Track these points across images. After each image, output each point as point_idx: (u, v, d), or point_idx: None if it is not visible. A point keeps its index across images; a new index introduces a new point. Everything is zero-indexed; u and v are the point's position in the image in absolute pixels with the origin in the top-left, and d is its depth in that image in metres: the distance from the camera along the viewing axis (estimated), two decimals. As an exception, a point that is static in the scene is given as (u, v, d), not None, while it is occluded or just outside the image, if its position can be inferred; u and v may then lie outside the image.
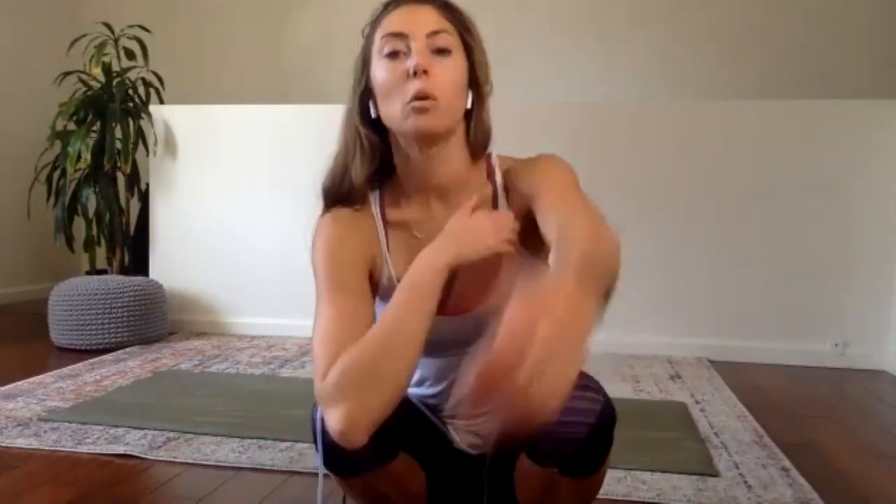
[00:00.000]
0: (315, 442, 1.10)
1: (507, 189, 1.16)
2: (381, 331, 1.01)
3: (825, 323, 3.07)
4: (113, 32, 3.86)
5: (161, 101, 3.87)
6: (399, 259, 1.15)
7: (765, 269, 3.13)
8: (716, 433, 2.11)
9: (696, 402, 2.43)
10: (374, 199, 1.17)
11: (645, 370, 2.89)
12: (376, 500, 1.20)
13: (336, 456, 1.07)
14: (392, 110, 1.07)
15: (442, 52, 1.06)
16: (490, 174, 1.18)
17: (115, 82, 3.72)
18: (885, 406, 2.57)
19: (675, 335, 3.20)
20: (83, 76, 3.80)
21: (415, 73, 1.03)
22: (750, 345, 3.12)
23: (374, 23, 1.11)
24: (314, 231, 1.16)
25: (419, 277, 1.05)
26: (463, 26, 1.10)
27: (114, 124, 3.58)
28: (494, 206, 1.15)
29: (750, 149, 3.14)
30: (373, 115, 1.11)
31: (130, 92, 3.78)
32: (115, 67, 3.80)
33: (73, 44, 3.83)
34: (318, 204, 1.18)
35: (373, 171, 1.14)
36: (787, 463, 1.86)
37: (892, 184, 3.02)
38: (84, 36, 3.78)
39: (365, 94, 1.12)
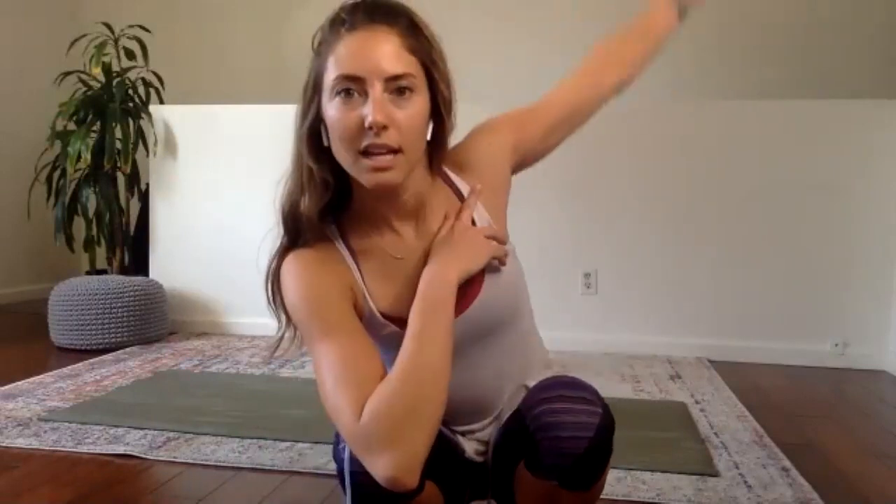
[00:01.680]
0: (342, 481, 1.06)
1: (466, 182, 1.13)
2: (411, 365, 0.96)
3: (825, 323, 3.07)
4: (113, 32, 3.86)
5: (161, 101, 3.86)
6: (377, 288, 1.08)
7: (765, 269, 3.13)
8: (716, 433, 2.11)
9: (696, 402, 2.43)
10: (332, 231, 1.09)
11: (645, 370, 2.89)
12: None
13: (366, 498, 1.03)
14: (346, 157, 0.99)
15: (402, 91, 0.96)
16: (449, 182, 1.13)
17: (115, 82, 3.72)
18: (885, 406, 2.57)
19: (675, 335, 3.20)
20: (83, 76, 3.80)
21: (370, 128, 0.94)
22: (750, 345, 3.12)
23: (326, 41, 1.00)
24: (276, 273, 1.07)
25: (433, 301, 1.01)
26: (428, 57, 1.00)
27: (114, 124, 3.58)
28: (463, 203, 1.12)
29: (750, 149, 3.14)
30: (325, 143, 1.02)
31: (130, 92, 3.77)
32: (115, 67, 3.79)
33: (73, 44, 3.82)
34: (277, 228, 1.08)
35: (325, 204, 1.05)
36: (787, 463, 1.86)
37: (892, 184, 3.02)
38: (84, 36, 3.77)
39: (315, 121, 1.03)
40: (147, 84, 3.85)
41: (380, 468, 0.92)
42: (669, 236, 3.20)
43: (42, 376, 2.62)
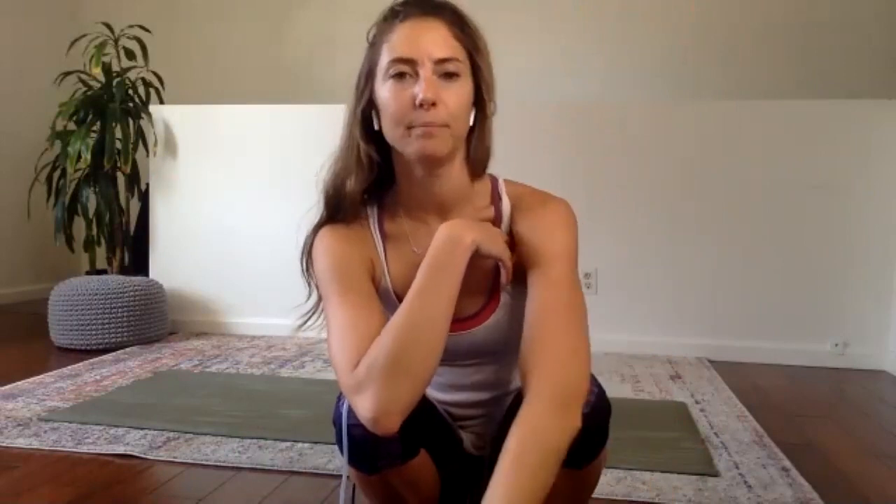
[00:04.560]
0: (339, 440, 1.10)
1: (512, 216, 1.15)
2: (409, 317, 1.00)
3: (825, 323, 3.07)
4: (113, 32, 3.86)
5: (161, 101, 3.86)
6: (396, 271, 1.15)
7: (765, 269, 3.13)
8: (716, 433, 2.11)
9: (696, 402, 2.43)
10: (371, 212, 1.17)
11: (645, 370, 2.89)
12: (390, 500, 1.20)
13: (360, 452, 1.07)
14: (395, 133, 1.06)
15: (450, 76, 1.05)
16: (494, 199, 1.16)
17: (115, 82, 3.72)
18: (885, 406, 2.57)
19: (675, 335, 3.20)
20: (83, 76, 3.80)
21: (421, 105, 1.02)
22: (750, 345, 3.12)
23: (381, 32, 1.09)
24: (311, 244, 1.16)
25: (444, 262, 1.03)
26: (473, 45, 1.08)
27: (114, 124, 3.57)
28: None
29: (750, 149, 3.14)
30: (375, 127, 1.10)
31: (130, 92, 3.77)
32: (115, 67, 3.79)
33: (73, 44, 3.82)
34: (318, 207, 1.17)
35: (369, 185, 1.14)
36: (787, 463, 1.86)
37: (892, 184, 3.02)
38: (84, 36, 3.77)
39: (368, 107, 1.11)
40: (147, 84, 3.85)
41: (361, 408, 0.98)
42: (669, 236, 3.20)
43: (42, 376, 2.62)
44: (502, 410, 1.21)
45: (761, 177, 3.13)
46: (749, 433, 2.11)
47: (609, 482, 1.69)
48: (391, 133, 1.07)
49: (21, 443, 1.93)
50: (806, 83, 3.85)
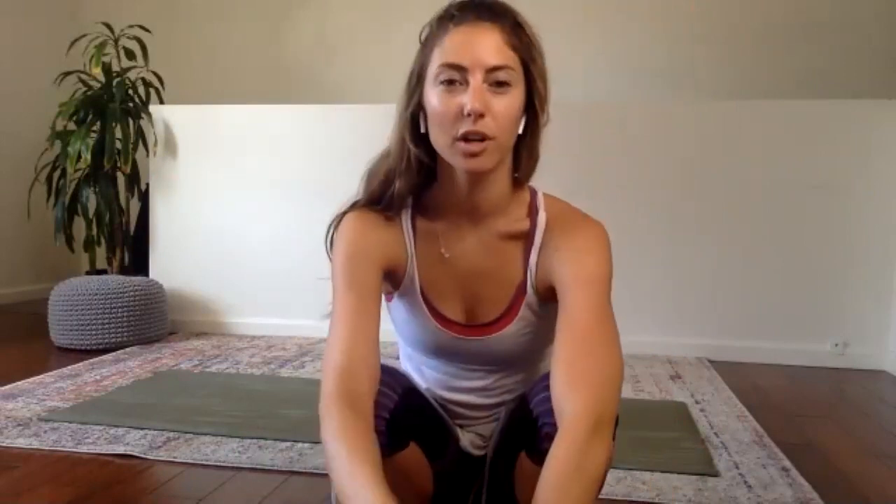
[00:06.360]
0: None
1: (546, 232, 1.13)
2: (339, 476, 0.91)
3: (825, 323, 3.07)
4: (113, 32, 3.86)
5: (161, 101, 3.87)
6: (423, 270, 1.15)
7: (765, 269, 3.13)
8: (716, 433, 2.11)
9: (696, 402, 2.43)
10: (407, 206, 1.16)
11: (645, 370, 2.89)
12: None
13: None
14: (441, 141, 1.04)
15: (500, 84, 1.02)
16: (532, 212, 1.15)
17: (115, 82, 3.72)
18: (885, 406, 2.57)
19: (675, 335, 3.20)
20: (83, 76, 3.80)
21: (468, 115, 0.99)
22: (750, 345, 3.12)
23: (434, 34, 1.06)
24: (338, 224, 1.14)
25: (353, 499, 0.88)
26: (528, 54, 1.05)
27: (114, 124, 3.58)
28: (529, 244, 1.14)
29: (750, 149, 3.14)
30: (422, 129, 1.08)
31: (130, 92, 3.77)
32: (115, 67, 3.79)
33: (73, 44, 3.82)
34: (359, 192, 1.16)
35: (415, 185, 1.12)
36: (787, 463, 1.86)
37: (892, 184, 3.02)
38: (84, 36, 3.77)
39: (417, 109, 1.09)
40: (147, 84, 3.85)
41: (322, 430, 0.96)
42: (669, 236, 3.20)
43: (42, 376, 2.62)
44: (506, 414, 1.21)
45: (761, 177, 3.13)
46: (749, 433, 2.11)
47: (609, 482, 1.69)
48: (437, 139, 1.05)
49: (21, 443, 1.93)
50: (806, 83, 3.85)
